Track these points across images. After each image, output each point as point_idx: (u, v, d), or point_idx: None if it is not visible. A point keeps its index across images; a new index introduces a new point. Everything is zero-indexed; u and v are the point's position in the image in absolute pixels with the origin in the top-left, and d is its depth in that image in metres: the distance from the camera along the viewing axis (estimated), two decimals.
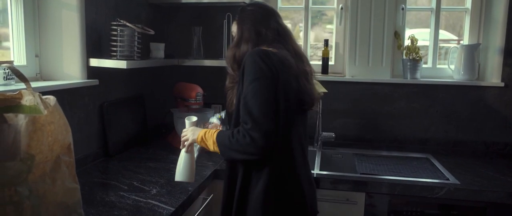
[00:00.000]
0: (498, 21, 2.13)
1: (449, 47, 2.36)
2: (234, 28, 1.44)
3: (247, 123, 1.19)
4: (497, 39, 2.14)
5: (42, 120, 0.78)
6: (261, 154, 1.20)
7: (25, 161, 0.76)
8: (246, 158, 1.23)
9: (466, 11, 2.32)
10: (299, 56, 1.40)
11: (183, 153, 1.43)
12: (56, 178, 0.82)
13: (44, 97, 0.86)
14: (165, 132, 2.33)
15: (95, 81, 1.75)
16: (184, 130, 1.45)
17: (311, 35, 2.51)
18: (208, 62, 2.19)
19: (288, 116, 1.28)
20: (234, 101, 1.36)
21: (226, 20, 2.21)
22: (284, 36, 1.40)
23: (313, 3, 2.46)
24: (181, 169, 1.42)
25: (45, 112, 0.80)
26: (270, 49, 1.32)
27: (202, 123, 1.60)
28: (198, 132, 1.36)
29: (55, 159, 0.82)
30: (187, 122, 1.46)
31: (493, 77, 2.18)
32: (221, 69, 2.36)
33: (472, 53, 2.20)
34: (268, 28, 1.37)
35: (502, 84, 2.14)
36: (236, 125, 1.29)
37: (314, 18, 2.52)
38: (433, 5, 2.33)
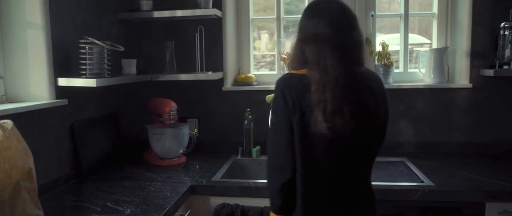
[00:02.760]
0: (464, 25, 2.19)
1: (419, 51, 2.41)
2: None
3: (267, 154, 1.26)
4: (464, 42, 2.20)
5: None
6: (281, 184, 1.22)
7: None
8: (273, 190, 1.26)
9: (433, 16, 2.38)
10: (344, 82, 1.17)
11: None
12: (16, 205, 0.79)
13: (1, 121, 0.83)
14: (141, 149, 2.29)
15: (64, 101, 1.71)
16: None
17: (289, 44, 2.51)
18: (183, 77, 2.17)
19: (305, 148, 1.20)
20: None
21: (198, 34, 2.21)
22: (331, 58, 1.17)
23: (286, 13, 2.48)
24: None
25: (1, 137, 0.77)
26: (302, 72, 1.22)
27: None
28: None
29: (14, 185, 0.79)
30: None
31: (462, 79, 2.23)
32: (196, 82, 2.35)
33: (440, 56, 2.26)
34: (316, 47, 1.20)
35: (470, 86, 2.20)
36: None
37: (292, 27, 2.53)
38: (402, 11, 2.38)
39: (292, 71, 1.27)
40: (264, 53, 2.63)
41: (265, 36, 2.64)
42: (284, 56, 2.05)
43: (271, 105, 1.26)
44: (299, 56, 1.25)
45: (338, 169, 1.23)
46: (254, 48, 2.58)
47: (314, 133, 1.16)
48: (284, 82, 1.22)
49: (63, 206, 1.51)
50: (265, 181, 1.80)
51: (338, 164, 1.23)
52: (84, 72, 1.72)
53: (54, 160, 1.71)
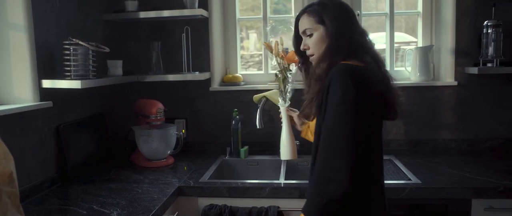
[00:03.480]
0: (448, 23, 2.22)
1: (406, 49, 2.44)
2: (310, 25, 1.27)
3: (326, 149, 1.12)
4: (448, 40, 2.22)
5: None
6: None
7: None
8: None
9: (418, 14, 2.40)
10: (379, 64, 1.24)
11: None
12: None
13: None
14: (129, 151, 2.27)
15: (48, 103, 1.68)
16: None
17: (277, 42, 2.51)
18: (171, 77, 2.16)
19: (370, 138, 1.16)
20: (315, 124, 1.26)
21: (184, 34, 2.19)
22: (366, 43, 1.25)
23: (274, 13, 2.47)
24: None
25: None
26: (358, 64, 1.19)
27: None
28: None
29: None
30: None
31: (447, 76, 2.26)
32: (182, 83, 2.33)
33: (426, 54, 2.28)
34: (357, 33, 1.23)
35: (456, 83, 2.22)
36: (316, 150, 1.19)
37: (282, 27, 2.52)
38: (387, 10, 2.40)
39: (350, 62, 1.19)
40: (253, 52, 2.63)
41: (253, 35, 2.63)
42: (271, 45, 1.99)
43: (336, 94, 1.11)
44: (345, 46, 1.20)
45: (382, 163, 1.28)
46: (243, 47, 2.57)
47: (375, 120, 1.19)
48: (353, 70, 1.13)
49: (47, 209, 1.49)
50: (254, 181, 1.81)
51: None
52: (69, 73, 1.70)
53: (39, 163, 1.68)
